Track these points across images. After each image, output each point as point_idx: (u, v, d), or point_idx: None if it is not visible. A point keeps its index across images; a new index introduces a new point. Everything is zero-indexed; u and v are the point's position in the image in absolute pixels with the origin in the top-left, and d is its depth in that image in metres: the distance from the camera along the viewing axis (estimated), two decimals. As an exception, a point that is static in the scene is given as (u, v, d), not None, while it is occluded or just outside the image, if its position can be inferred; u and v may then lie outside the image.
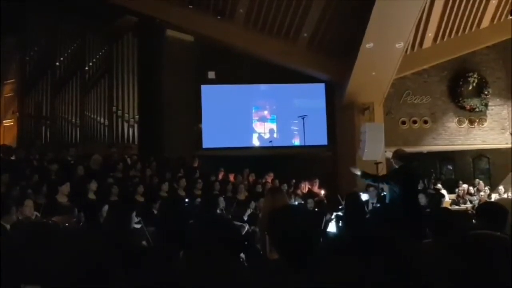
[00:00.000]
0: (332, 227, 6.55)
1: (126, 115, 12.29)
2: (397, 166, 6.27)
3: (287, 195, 10.37)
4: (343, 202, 10.36)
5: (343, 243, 1.30)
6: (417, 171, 7.81)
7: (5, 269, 2.42)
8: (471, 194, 12.68)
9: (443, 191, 12.28)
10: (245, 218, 8.22)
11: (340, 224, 5.82)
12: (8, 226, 4.78)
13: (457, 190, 12.80)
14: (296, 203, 9.65)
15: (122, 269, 1.97)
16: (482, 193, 12.67)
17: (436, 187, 12.38)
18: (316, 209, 9.20)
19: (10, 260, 2.48)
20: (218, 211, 7.98)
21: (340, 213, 7.18)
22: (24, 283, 2.36)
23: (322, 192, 11.49)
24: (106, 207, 6.05)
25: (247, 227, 7.69)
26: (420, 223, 4.85)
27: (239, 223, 7.62)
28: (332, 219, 6.63)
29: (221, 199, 8.51)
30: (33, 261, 2.41)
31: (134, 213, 3.59)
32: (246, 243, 7.12)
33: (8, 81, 12.04)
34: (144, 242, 4.93)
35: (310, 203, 9.68)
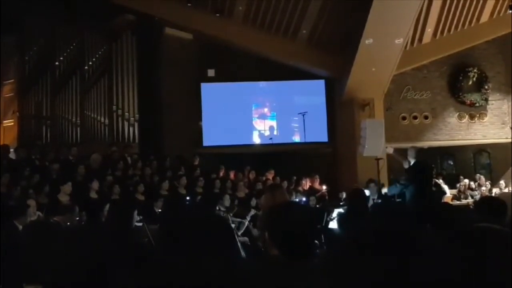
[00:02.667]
0: (333, 224, 6.56)
1: (126, 114, 12.29)
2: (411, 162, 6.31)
3: (288, 192, 10.39)
4: (342, 198, 10.43)
5: (355, 238, 1.30)
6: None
7: (8, 269, 2.43)
8: (472, 189, 12.69)
9: (444, 187, 12.30)
10: (248, 218, 8.23)
11: (343, 221, 5.81)
12: (20, 227, 4.78)
13: (458, 185, 12.80)
14: (297, 199, 9.67)
15: (124, 268, 1.97)
16: (483, 188, 12.68)
17: (437, 182, 12.38)
18: (318, 206, 9.23)
19: (12, 260, 2.49)
20: (222, 208, 8.04)
21: (341, 210, 7.19)
22: (26, 282, 2.37)
23: (324, 188, 11.50)
24: (107, 206, 6.08)
25: (246, 223, 7.70)
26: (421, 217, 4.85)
27: (238, 219, 7.64)
28: (334, 218, 6.62)
29: (227, 196, 8.54)
30: (35, 261, 2.41)
31: (135, 212, 3.60)
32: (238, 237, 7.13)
33: (8, 81, 12.05)
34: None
35: (312, 200, 9.70)
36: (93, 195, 8.00)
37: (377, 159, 9.53)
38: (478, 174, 13.66)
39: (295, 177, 11.51)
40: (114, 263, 1.82)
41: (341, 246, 1.49)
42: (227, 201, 8.37)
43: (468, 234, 1.30)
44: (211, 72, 13.07)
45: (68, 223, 5.64)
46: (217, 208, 8.12)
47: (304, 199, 9.82)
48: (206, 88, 13.13)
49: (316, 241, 2.21)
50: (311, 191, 11.03)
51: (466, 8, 12.64)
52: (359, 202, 4.79)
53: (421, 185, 6.04)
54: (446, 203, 6.49)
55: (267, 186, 8.54)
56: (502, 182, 13.12)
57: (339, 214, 6.33)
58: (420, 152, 7.71)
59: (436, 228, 2.92)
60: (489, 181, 13.33)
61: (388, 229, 1.37)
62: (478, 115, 13.74)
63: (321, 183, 11.84)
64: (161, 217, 6.93)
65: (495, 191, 12.50)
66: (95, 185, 8.08)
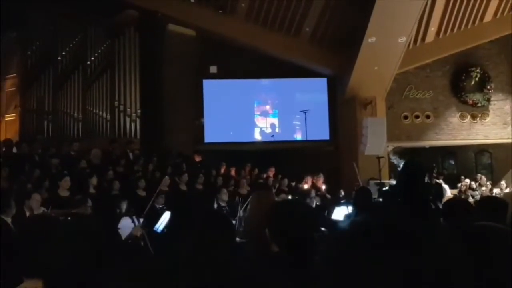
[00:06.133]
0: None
1: (128, 109, 12.28)
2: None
3: (289, 190, 10.39)
4: (341, 196, 10.43)
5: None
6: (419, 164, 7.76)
7: (7, 263, 2.42)
8: (473, 189, 12.67)
9: (445, 186, 12.29)
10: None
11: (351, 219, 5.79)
12: (9, 220, 4.80)
13: (459, 185, 12.79)
14: (298, 198, 9.66)
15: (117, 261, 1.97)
16: (484, 188, 12.67)
17: (437, 181, 12.38)
18: (318, 204, 9.24)
19: (12, 254, 2.48)
20: (222, 204, 8.03)
21: (341, 208, 7.19)
22: (26, 276, 2.36)
23: (323, 187, 11.48)
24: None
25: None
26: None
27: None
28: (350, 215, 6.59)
29: (224, 190, 8.52)
30: (35, 254, 2.41)
31: (121, 204, 3.60)
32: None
33: (10, 75, 12.05)
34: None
35: (314, 198, 9.70)
36: (92, 190, 7.99)
37: (379, 158, 9.54)
38: (479, 174, 13.63)
39: (296, 179, 11.47)
40: (108, 254, 1.82)
41: (341, 241, 1.48)
42: (224, 195, 8.34)
43: (469, 232, 1.30)
44: (213, 69, 13.07)
45: (84, 214, 5.64)
46: (217, 203, 8.14)
47: (305, 197, 9.82)
48: (208, 85, 13.13)
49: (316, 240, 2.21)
50: (314, 190, 11.01)
51: (469, 8, 12.60)
52: (365, 201, 4.76)
53: (411, 188, 5.88)
54: (446, 201, 6.44)
55: (253, 188, 8.43)
56: (503, 183, 13.10)
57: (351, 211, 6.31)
58: (420, 151, 7.67)
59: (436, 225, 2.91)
60: (490, 182, 13.31)
61: (387, 224, 1.36)
62: (480, 115, 13.71)
63: (324, 182, 11.82)
64: (163, 212, 6.93)
65: (496, 191, 12.49)
66: (94, 180, 8.08)
